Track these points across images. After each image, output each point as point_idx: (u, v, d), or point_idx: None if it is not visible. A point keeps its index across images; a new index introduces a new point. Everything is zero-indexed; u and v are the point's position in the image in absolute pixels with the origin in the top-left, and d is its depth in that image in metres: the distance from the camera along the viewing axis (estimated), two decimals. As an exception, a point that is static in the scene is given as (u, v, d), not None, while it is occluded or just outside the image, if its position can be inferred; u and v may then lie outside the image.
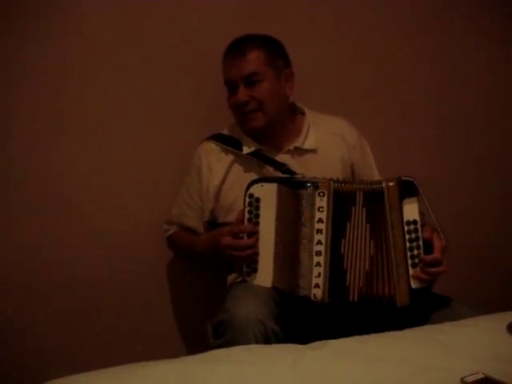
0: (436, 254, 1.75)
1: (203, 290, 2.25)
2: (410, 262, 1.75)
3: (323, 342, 1.51)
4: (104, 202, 2.13)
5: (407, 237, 1.75)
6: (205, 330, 2.20)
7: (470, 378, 1.25)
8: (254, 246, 1.79)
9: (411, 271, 1.75)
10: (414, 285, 1.75)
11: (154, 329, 2.20)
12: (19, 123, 2.03)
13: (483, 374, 1.26)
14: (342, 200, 1.75)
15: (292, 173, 1.91)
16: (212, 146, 2.01)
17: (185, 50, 2.16)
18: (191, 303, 2.26)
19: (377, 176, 2.07)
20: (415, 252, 1.75)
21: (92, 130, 2.10)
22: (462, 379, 1.25)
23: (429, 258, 1.75)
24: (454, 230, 2.33)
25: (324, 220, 1.74)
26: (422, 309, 1.77)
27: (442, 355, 1.40)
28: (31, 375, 1.83)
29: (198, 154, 2.02)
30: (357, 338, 1.53)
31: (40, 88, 2.03)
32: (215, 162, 1.99)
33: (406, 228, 1.75)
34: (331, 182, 1.76)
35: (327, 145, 2.00)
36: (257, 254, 1.80)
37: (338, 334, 1.55)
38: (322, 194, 1.75)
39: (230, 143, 1.99)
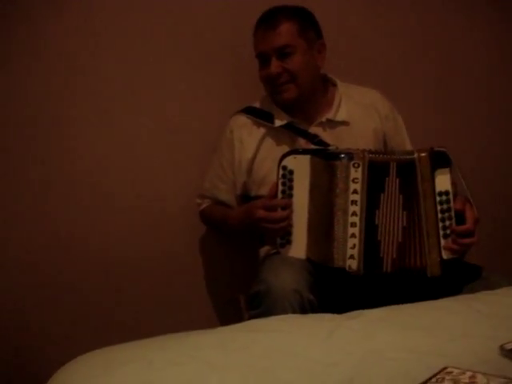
0: (469, 225, 1.75)
1: (236, 264, 2.27)
2: (441, 232, 1.75)
3: (358, 311, 1.51)
4: (135, 179, 2.14)
5: (439, 208, 1.74)
6: (238, 304, 2.25)
7: (509, 346, 1.24)
8: (288, 219, 1.79)
9: (443, 242, 1.74)
10: (445, 255, 1.75)
11: (187, 303, 2.23)
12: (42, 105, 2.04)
13: (522, 341, 1.26)
14: (376, 171, 1.75)
15: (325, 144, 1.91)
16: (243, 119, 2.01)
17: (216, 23, 2.15)
18: (224, 277, 2.28)
19: (409, 147, 2.05)
20: (447, 223, 1.75)
21: (120, 105, 2.11)
22: (500, 346, 1.25)
23: (461, 228, 1.74)
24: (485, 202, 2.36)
25: (359, 191, 1.74)
26: (454, 279, 1.77)
27: (479, 323, 1.40)
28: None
29: (230, 128, 2.02)
30: (392, 307, 1.54)
31: (71, 63, 2.04)
32: (247, 135, 1.99)
33: (437, 199, 1.74)
34: (365, 153, 1.75)
35: (359, 116, 1.99)
36: (290, 225, 1.81)
37: (373, 304, 1.55)
38: (356, 165, 1.74)
39: (261, 116, 1.99)
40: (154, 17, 2.10)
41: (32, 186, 2.04)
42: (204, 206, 2.11)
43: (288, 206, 1.80)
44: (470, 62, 2.50)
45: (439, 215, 1.75)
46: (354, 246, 1.74)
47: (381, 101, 2.05)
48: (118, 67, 2.09)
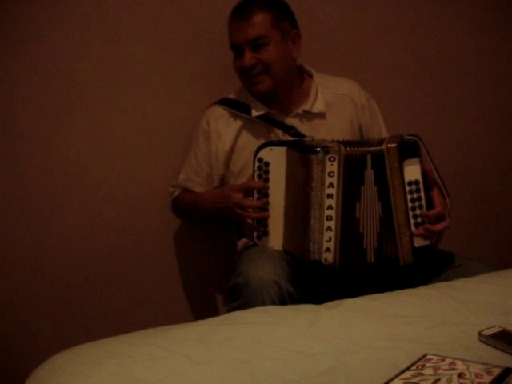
0: (437, 209, 1.76)
1: (213, 257, 2.26)
2: (412, 221, 1.75)
3: (338, 301, 1.53)
4: (111, 170, 2.12)
5: (409, 197, 1.75)
6: (215, 297, 2.25)
7: (488, 332, 1.26)
8: (262, 209, 1.79)
9: (414, 230, 1.75)
10: (416, 243, 1.76)
11: (163, 297, 2.21)
12: (33, 99, 2.02)
13: (500, 327, 1.27)
14: (353, 164, 1.75)
15: (301, 136, 1.91)
16: (220, 110, 2.00)
17: (191, 13, 2.13)
18: (201, 270, 2.27)
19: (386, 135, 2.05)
20: (418, 211, 1.76)
21: (99, 97, 2.08)
22: (479, 333, 1.27)
23: (430, 212, 1.75)
24: (459, 186, 2.37)
25: (335, 185, 1.74)
26: (428, 266, 1.79)
27: (458, 311, 1.42)
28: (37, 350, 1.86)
29: (206, 119, 2.01)
30: (371, 296, 1.55)
31: (50, 66, 2.02)
32: (224, 126, 1.98)
33: (407, 188, 1.75)
34: (341, 147, 1.74)
35: (336, 107, 1.99)
36: (266, 217, 1.80)
37: (351, 294, 1.56)
38: (332, 159, 1.74)
39: (238, 107, 1.98)
40: (129, 13, 2.08)
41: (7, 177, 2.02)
42: (176, 194, 2.09)
43: (265, 190, 1.79)
44: (448, 53, 2.50)
45: (409, 204, 1.75)
46: (330, 238, 1.75)
47: (357, 91, 2.05)
48: (96, 65, 2.07)
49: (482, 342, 1.26)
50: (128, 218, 2.15)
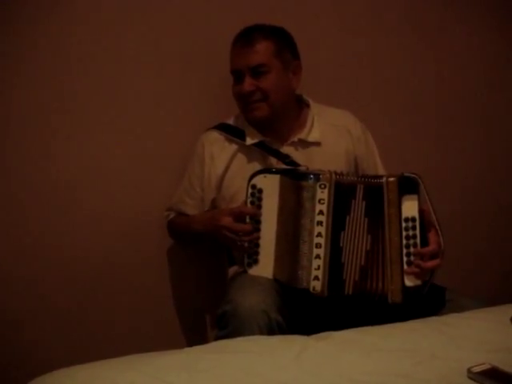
0: (431, 247, 1.75)
1: (204, 283, 2.24)
2: (405, 259, 1.74)
3: (327, 333, 1.51)
4: (106, 190, 2.11)
5: (404, 233, 1.74)
6: (204, 323, 2.22)
7: (477, 369, 1.25)
8: (252, 234, 1.78)
9: (406, 268, 1.74)
10: (408, 282, 1.74)
11: (153, 321, 2.19)
12: (24, 112, 2.01)
13: (490, 364, 1.26)
14: (342, 193, 1.74)
15: (296, 164, 1.91)
16: (216, 135, 2.00)
17: (192, 39, 2.14)
18: (191, 296, 2.25)
19: (381, 169, 2.06)
20: (411, 250, 1.75)
21: (96, 118, 2.08)
22: (468, 369, 1.25)
23: (423, 250, 1.74)
24: (455, 226, 2.38)
25: (325, 212, 1.73)
26: (417, 307, 1.75)
27: (447, 346, 1.40)
28: (30, 368, 1.82)
29: (202, 143, 2.01)
30: (360, 329, 1.53)
31: (45, 79, 2.02)
32: (218, 151, 1.98)
33: (403, 225, 1.74)
34: (333, 175, 1.75)
35: (332, 137, 1.99)
36: (257, 244, 1.80)
37: (339, 326, 1.54)
38: (323, 186, 1.73)
39: (233, 133, 1.98)
40: (130, 31, 2.09)
41: (6, 196, 2.01)
42: (171, 217, 2.09)
43: (255, 217, 1.79)
44: (443, 82, 2.53)
45: (404, 241, 1.74)
46: (319, 267, 1.73)
47: (353, 122, 2.05)
48: (94, 84, 2.07)
49: (471, 378, 1.25)
50: (119, 241, 2.13)
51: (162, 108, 2.15)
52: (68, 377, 1.31)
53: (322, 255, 1.74)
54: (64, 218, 2.07)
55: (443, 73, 2.52)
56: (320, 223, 1.74)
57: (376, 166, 2.06)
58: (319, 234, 1.74)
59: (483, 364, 1.26)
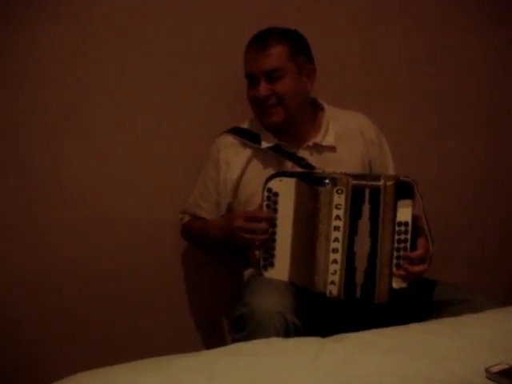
0: (419, 251, 1.77)
1: (219, 286, 2.25)
2: (394, 261, 1.76)
3: (342, 335, 1.51)
4: (119, 191, 2.12)
5: (396, 237, 1.76)
6: (221, 326, 2.23)
7: (495, 369, 1.24)
8: (268, 233, 1.79)
9: (394, 271, 1.76)
10: (395, 285, 1.76)
11: (169, 324, 2.20)
12: (33, 112, 2.02)
13: (508, 364, 1.25)
14: (356, 197, 1.75)
15: (311, 167, 1.91)
16: (230, 139, 2.01)
17: (206, 42, 2.15)
18: (207, 298, 2.26)
19: (391, 172, 2.05)
20: (401, 253, 1.76)
21: (109, 119, 2.09)
22: (486, 369, 1.24)
23: (411, 254, 1.76)
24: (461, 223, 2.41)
25: (342, 217, 1.74)
26: (403, 309, 1.79)
27: (464, 346, 1.40)
28: (30, 368, 1.83)
29: (217, 147, 2.01)
30: (376, 330, 1.53)
31: (54, 80, 2.03)
32: (233, 155, 1.98)
33: (396, 228, 1.76)
34: (349, 179, 1.75)
35: (346, 141, 1.99)
36: (273, 247, 1.81)
37: (355, 328, 1.55)
38: (340, 192, 1.74)
39: (248, 137, 1.99)
40: (144, 31, 2.10)
41: (16, 197, 2.02)
42: (186, 220, 2.10)
43: (270, 220, 1.79)
44: (457, 88, 2.53)
45: (395, 244, 1.76)
46: (335, 271, 1.75)
47: (367, 125, 2.05)
48: (108, 81, 2.08)
49: (489, 379, 1.24)
50: (135, 244, 2.14)
51: (174, 109, 2.16)
52: (92, 380, 1.32)
53: (338, 260, 1.75)
54: (75, 220, 2.07)
55: (460, 72, 2.53)
56: (337, 228, 1.74)
57: (388, 169, 2.06)
58: (336, 239, 1.75)
59: (501, 364, 1.26)
